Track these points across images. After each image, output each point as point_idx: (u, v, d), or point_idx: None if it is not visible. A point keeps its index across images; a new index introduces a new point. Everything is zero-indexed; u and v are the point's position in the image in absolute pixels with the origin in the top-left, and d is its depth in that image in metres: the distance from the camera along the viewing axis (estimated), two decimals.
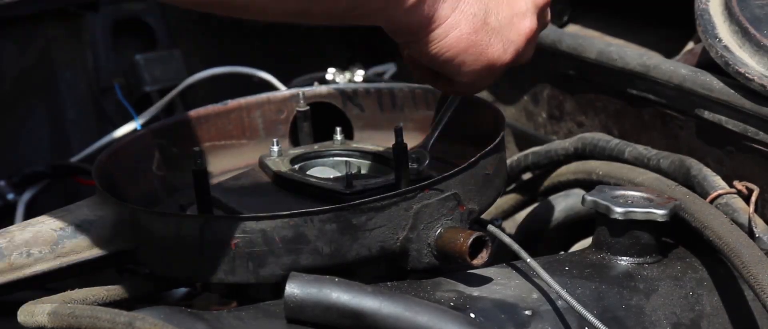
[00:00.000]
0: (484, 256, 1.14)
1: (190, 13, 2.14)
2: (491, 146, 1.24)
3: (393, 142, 1.26)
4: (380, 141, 1.43)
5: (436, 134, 1.34)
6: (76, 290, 1.20)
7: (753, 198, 1.27)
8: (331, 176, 1.32)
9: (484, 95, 1.78)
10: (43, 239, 1.19)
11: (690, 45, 1.61)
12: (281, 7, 1.06)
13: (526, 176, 1.58)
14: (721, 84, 1.33)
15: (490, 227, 1.27)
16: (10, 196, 1.98)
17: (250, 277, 1.15)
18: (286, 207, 1.17)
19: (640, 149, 1.40)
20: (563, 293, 1.14)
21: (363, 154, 1.39)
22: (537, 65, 1.63)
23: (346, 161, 1.38)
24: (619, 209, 1.23)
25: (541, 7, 1.23)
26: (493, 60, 1.20)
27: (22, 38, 2.01)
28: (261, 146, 1.46)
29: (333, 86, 1.54)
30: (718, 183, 1.30)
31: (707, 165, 1.34)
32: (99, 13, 2.03)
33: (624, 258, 1.24)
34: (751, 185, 1.29)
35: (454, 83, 1.24)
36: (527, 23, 1.21)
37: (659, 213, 1.22)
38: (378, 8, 1.11)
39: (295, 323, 1.07)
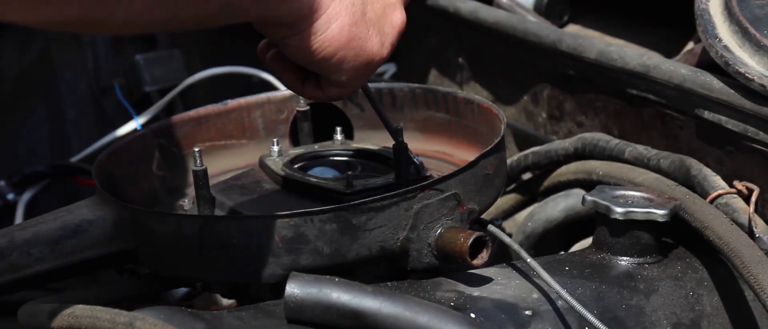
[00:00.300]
0: (484, 256, 1.14)
1: None
2: (491, 146, 1.24)
3: (393, 142, 1.26)
4: (380, 141, 1.43)
5: (392, 126, 1.29)
6: (76, 290, 1.20)
7: (753, 198, 1.27)
8: (331, 176, 1.32)
9: (484, 95, 1.78)
10: (43, 239, 1.19)
11: (690, 45, 1.61)
12: (146, 17, 0.95)
13: (526, 176, 1.58)
14: (721, 84, 1.33)
15: (490, 227, 1.27)
16: (10, 196, 1.99)
17: (250, 277, 1.15)
18: (286, 207, 1.16)
19: (640, 149, 1.40)
20: (563, 293, 1.14)
21: (363, 154, 1.39)
22: (537, 65, 1.64)
23: (346, 161, 1.38)
24: (619, 209, 1.23)
25: (406, 1, 1.18)
26: (372, 54, 1.13)
27: (22, 38, 2.01)
28: (261, 146, 1.46)
29: None
30: (718, 183, 1.30)
31: (707, 165, 1.34)
32: None
33: (624, 257, 1.24)
34: (751, 185, 1.29)
35: (327, 85, 1.16)
36: (399, 15, 1.15)
37: (659, 213, 1.22)
38: (250, 4, 1.03)
39: (295, 323, 1.06)
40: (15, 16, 0.90)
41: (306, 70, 1.15)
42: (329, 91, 1.16)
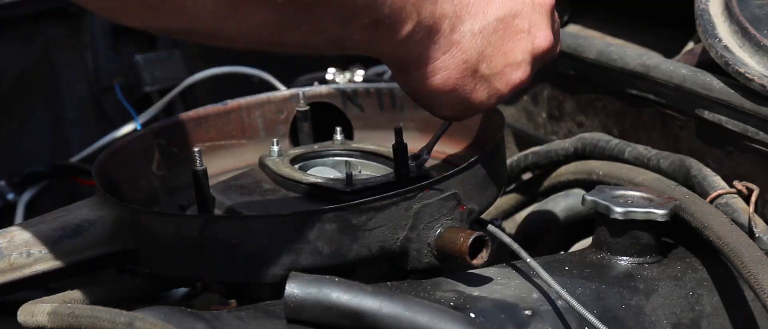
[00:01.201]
0: (484, 256, 1.13)
1: None
2: (491, 146, 1.24)
3: (393, 142, 1.26)
4: (380, 141, 1.43)
5: (431, 147, 1.32)
6: (76, 290, 1.20)
7: (753, 198, 1.27)
8: (331, 176, 1.33)
9: None
10: (43, 239, 1.19)
11: (690, 45, 1.61)
12: (253, 36, 1.00)
13: (526, 176, 1.58)
14: (721, 84, 1.33)
15: (490, 227, 1.26)
16: (10, 196, 1.99)
17: (250, 277, 1.15)
18: (286, 207, 1.17)
19: (640, 149, 1.40)
20: (563, 293, 1.14)
21: (363, 154, 1.39)
22: None
23: (346, 161, 1.38)
24: (619, 209, 1.23)
25: (537, 56, 1.17)
26: (475, 104, 1.16)
27: (22, 38, 2.01)
28: (261, 146, 1.46)
29: (333, 85, 1.54)
30: (718, 183, 1.30)
31: (707, 165, 1.34)
32: None
33: (624, 258, 1.24)
34: (751, 185, 1.29)
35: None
36: (519, 74, 1.16)
37: (659, 213, 1.22)
38: (362, 41, 1.04)
39: (295, 323, 1.06)
40: (131, 22, 0.96)
41: None
42: (439, 115, 1.22)
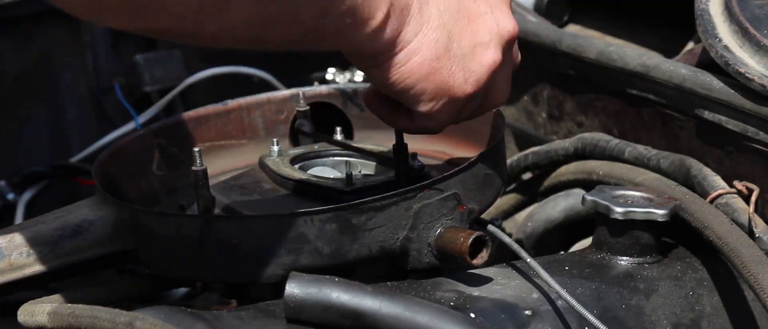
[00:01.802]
0: (484, 256, 1.14)
1: None
2: (491, 146, 1.24)
3: (393, 142, 1.26)
4: (380, 141, 1.43)
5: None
6: (76, 290, 1.20)
7: (753, 198, 1.27)
8: (331, 176, 1.33)
9: None
10: (43, 239, 1.19)
11: (690, 45, 1.61)
12: (232, 34, 1.00)
13: (526, 176, 1.58)
14: (721, 84, 1.33)
15: (490, 227, 1.27)
16: (10, 196, 1.99)
17: (250, 277, 1.15)
18: (286, 207, 1.17)
19: (640, 149, 1.40)
20: (563, 293, 1.14)
21: (363, 154, 1.39)
22: (537, 65, 1.64)
23: (346, 161, 1.38)
24: (619, 209, 1.23)
25: (506, 41, 1.15)
26: (454, 89, 1.13)
27: (22, 38, 2.01)
28: (261, 146, 1.46)
29: (333, 85, 1.54)
30: (718, 183, 1.30)
31: (707, 165, 1.34)
32: None
33: (624, 258, 1.24)
34: (751, 185, 1.29)
35: (415, 117, 1.17)
36: (490, 54, 1.14)
37: (659, 213, 1.22)
38: (337, 31, 1.04)
39: (295, 323, 1.06)
40: (112, 23, 0.97)
41: (397, 102, 1.17)
42: (420, 122, 1.18)
